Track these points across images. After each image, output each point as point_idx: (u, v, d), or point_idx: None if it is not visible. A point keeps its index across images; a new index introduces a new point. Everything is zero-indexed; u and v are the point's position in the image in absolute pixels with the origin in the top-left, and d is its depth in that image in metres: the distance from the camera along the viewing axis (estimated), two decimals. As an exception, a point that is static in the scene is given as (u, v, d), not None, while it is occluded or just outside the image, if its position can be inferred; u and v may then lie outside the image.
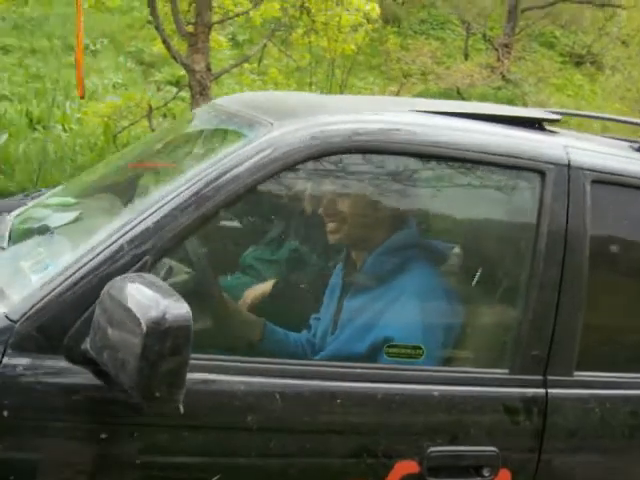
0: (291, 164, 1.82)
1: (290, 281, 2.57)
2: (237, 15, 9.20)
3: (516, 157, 1.98)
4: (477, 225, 2.19)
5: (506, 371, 1.96)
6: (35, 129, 8.61)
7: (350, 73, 12.34)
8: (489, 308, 2.13)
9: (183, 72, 9.24)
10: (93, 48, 13.06)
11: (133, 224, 1.74)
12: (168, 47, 7.85)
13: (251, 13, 9.10)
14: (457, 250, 2.24)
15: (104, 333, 1.54)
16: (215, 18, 8.23)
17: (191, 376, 1.55)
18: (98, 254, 1.70)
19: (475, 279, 2.11)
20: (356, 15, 9.26)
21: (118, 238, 1.72)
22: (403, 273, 2.12)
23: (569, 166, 2.02)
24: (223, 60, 12.30)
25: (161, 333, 1.44)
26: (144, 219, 1.74)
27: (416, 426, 1.86)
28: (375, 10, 9.55)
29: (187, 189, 1.76)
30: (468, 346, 2.06)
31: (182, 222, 1.73)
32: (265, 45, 9.82)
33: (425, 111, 2.11)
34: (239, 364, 1.75)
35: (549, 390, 1.96)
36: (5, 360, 1.61)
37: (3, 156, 7.71)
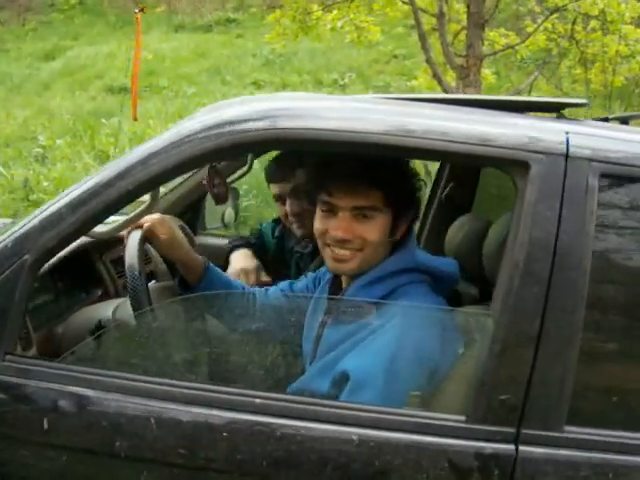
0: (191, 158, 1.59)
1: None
2: (507, 48, 9.08)
3: (485, 145, 1.56)
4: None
5: (462, 418, 1.52)
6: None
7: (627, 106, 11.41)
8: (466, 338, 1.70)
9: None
10: (342, 82, 13.42)
11: (23, 223, 1.64)
12: (439, 81, 7.81)
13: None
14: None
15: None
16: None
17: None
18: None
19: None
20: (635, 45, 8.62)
21: (7, 237, 1.63)
22: (388, 303, 1.77)
23: (567, 156, 1.55)
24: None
25: None
26: (32, 219, 1.63)
27: (324, 476, 1.50)
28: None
29: (75, 189, 1.63)
30: (423, 384, 1.64)
31: (67, 222, 1.59)
32: (535, 78, 9.46)
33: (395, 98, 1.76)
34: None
35: (521, 447, 1.49)
36: None
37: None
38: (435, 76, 7.84)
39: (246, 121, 1.58)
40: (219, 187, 2.10)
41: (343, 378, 1.67)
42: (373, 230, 1.77)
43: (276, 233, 2.86)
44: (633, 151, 1.58)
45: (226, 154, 1.94)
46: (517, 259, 1.51)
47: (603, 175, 1.53)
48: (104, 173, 1.61)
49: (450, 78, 8.29)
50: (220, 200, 2.13)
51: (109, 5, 18.37)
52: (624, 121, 2.25)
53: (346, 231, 1.75)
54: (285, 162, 2.57)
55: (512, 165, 1.56)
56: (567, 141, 1.56)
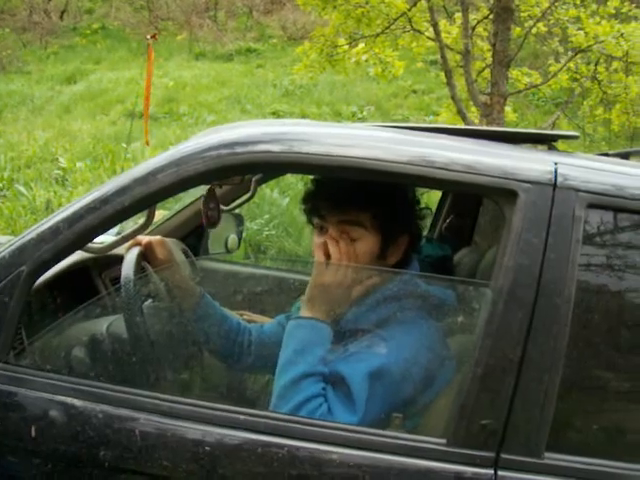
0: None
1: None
2: (531, 87, 9.28)
3: (474, 173, 1.58)
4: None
5: (442, 441, 1.53)
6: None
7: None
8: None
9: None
10: (360, 115, 13.50)
11: (22, 236, 1.68)
12: (464, 117, 7.89)
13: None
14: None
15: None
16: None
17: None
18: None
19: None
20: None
21: (5, 249, 1.67)
22: (381, 328, 1.76)
23: (555, 186, 1.57)
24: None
25: None
26: (31, 232, 1.67)
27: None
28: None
29: (74, 204, 1.67)
30: (402, 406, 1.66)
31: (64, 235, 1.63)
32: (558, 117, 9.52)
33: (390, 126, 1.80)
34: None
35: (500, 472, 1.50)
36: None
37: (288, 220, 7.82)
38: (460, 113, 7.91)
39: (257, 143, 1.62)
40: (213, 211, 2.11)
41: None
42: (359, 250, 1.79)
43: None
44: (620, 183, 1.60)
45: (227, 174, 1.96)
46: (502, 284, 1.53)
47: (590, 205, 1.56)
48: (103, 189, 1.65)
49: (472, 115, 8.37)
50: (210, 224, 2.12)
51: (131, 31, 18.69)
52: (624, 156, 2.27)
53: None
54: None
55: (500, 194, 1.59)
56: (555, 171, 1.58)
